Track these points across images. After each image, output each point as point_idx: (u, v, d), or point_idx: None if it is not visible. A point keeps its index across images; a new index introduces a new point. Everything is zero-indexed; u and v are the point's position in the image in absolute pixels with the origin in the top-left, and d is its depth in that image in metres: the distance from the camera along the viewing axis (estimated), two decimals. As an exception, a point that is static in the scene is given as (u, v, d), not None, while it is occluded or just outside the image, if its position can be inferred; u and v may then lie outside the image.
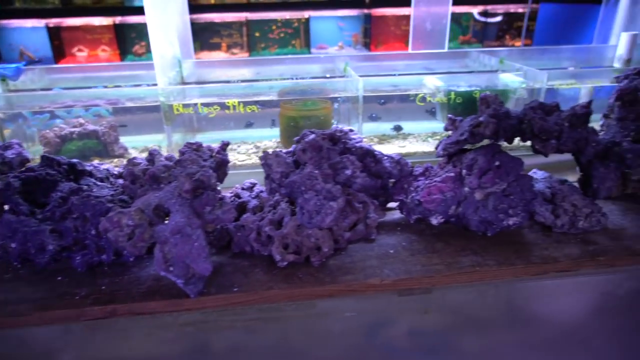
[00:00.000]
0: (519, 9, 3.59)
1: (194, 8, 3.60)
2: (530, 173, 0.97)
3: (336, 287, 0.73)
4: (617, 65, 1.29)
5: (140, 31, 3.52)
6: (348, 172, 0.76)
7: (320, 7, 3.62)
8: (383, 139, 1.29)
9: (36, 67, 1.35)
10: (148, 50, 3.61)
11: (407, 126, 1.34)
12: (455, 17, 3.85)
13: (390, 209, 0.96)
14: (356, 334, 0.79)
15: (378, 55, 1.40)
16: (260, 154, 1.24)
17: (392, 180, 0.90)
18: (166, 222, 0.73)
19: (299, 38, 3.71)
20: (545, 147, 0.79)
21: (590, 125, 0.85)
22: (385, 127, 1.34)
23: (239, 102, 1.05)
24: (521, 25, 3.70)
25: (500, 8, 3.76)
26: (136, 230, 0.69)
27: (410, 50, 1.33)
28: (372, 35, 3.72)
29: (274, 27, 3.63)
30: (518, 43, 3.84)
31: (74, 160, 0.88)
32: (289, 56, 1.39)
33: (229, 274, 0.76)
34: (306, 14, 3.62)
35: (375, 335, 0.78)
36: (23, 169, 0.85)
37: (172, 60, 1.19)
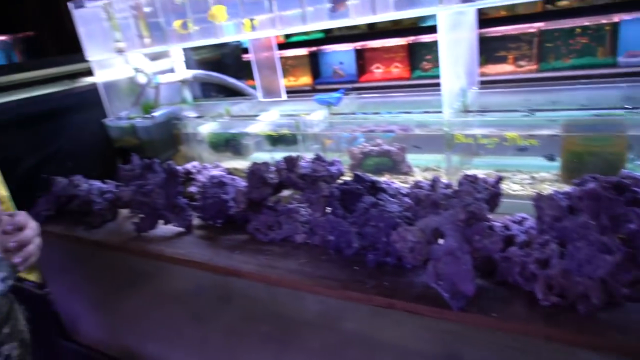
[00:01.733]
0: None
1: (482, 22, 3.64)
2: None
3: (603, 342, 0.71)
4: None
5: (430, 48, 3.82)
6: (632, 226, 0.72)
7: (633, 8, 3.07)
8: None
9: (351, 94, 1.71)
10: (434, 66, 3.88)
11: None
12: None
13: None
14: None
15: None
16: (536, 186, 1.24)
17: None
18: (440, 242, 0.87)
19: (602, 46, 3.25)
20: None
21: None
22: None
23: (519, 136, 1.09)
24: None
25: None
26: (416, 245, 0.86)
27: None
28: None
29: (577, 31, 3.25)
30: None
31: (374, 178, 1.12)
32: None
33: (490, 299, 0.84)
34: (615, 17, 3.13)
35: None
36: (341, 181, 1.15)
37: (458, 91, 1.32)
